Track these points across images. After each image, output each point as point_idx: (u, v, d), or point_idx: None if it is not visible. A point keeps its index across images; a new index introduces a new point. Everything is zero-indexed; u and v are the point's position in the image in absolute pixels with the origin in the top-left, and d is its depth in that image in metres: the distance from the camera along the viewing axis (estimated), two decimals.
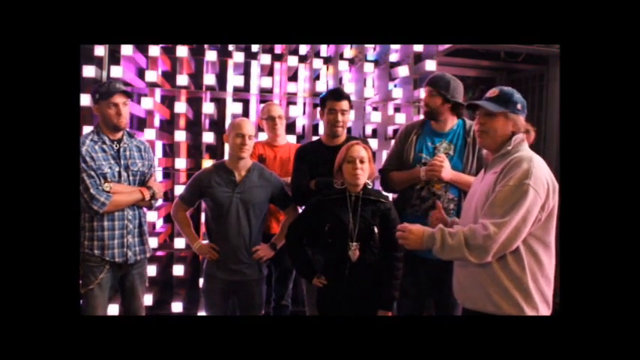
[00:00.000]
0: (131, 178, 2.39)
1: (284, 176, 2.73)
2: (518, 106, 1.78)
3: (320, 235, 2.20)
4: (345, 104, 2.48)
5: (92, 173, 2.23)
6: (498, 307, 1.67)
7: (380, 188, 2.62)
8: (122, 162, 2.36)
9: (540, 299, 1.68)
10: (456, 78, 2.45)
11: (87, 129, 3.11)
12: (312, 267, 2.28)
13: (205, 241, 2.51)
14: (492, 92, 1.82)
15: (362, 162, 2.12)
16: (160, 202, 3.73)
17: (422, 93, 2.60)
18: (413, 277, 2.39)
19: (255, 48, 3.81)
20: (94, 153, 2.27)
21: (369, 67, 3.73)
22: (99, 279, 2.28)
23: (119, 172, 2.34)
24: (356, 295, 2.15)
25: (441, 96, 2.37)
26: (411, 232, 1.77)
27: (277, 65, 3.94)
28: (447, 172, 2.29)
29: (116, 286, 2.42)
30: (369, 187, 2.20)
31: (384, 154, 3.19)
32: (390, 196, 2.80)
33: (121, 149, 2.36)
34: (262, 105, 3.18)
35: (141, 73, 3.59)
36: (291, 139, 3.39)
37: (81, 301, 2.34)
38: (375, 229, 2.14)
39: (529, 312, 1.65)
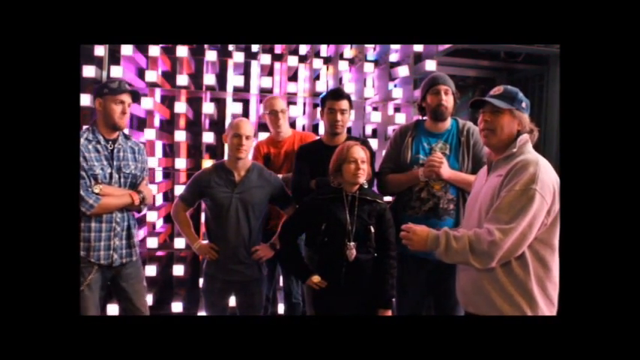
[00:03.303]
0: (122, 180, 2.33)
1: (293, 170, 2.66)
2: (524, 105, 1.76)
3: (315, 234, 2.20)
4: (344, 104, 2.49)
5: (83, 174, 2.18)
6: (502, 313, 1.64)
7: (377, 191, 2.62)
8: (115, 163, 2.30)
9: (546, 304, 1.64)
10: None
11: None
12: (307, 267, 2.27)
13: (205, 241, 2.50)
14: (496, 90, 1.80)
15: (363, 162, 2.13)
16: (160, 201, 3.74)
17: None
18: (413, 277, 2.39)
19: (255, 48, 3.81)
20: (87, 153, 2.22)
21: (369, 67, 3.73)
22: (88, 280, 2.23)
23: (110, 174, 2.28)
24: (352, 294, 2.15)
25: (453, 94, 2.40)
26: (415, 232, 1.75)
27: (277, 65, 3.94)
28: (446, 169, 2.28)
29: (107, 285, 2.37)
30: (365, 187, 2.20)
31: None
32: (390, 199, 2.80)
33: (115, 150, 2.32)
34: (264, 99, 3.12)
35: (141, 73, 3.59)
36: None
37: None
38: (372, 229, 2.14)
39: None
